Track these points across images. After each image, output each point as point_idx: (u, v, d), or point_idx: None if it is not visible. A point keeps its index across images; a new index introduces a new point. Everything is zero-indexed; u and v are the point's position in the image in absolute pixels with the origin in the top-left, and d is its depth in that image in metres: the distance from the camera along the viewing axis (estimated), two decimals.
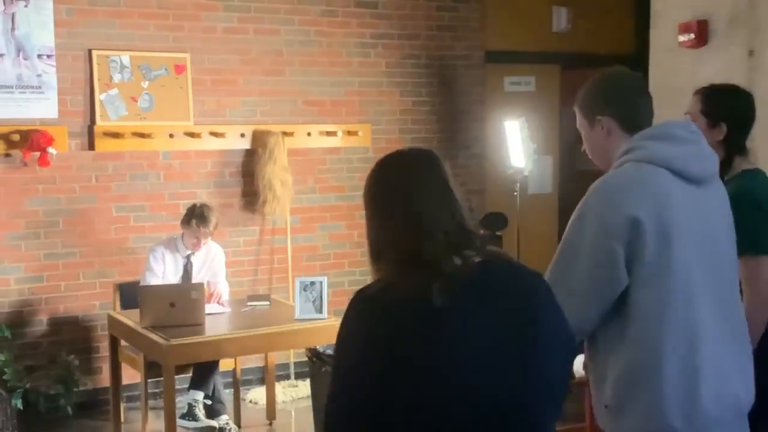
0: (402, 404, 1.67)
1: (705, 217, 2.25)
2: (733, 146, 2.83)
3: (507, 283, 1.78)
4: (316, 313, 4.55)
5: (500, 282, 1.77)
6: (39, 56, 5.34)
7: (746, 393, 2.26)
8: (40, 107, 5.36)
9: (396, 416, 1.68)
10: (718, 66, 4.74)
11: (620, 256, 2.14)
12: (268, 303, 4.93)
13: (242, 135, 5.81)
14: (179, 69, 5.71)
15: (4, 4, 5.23)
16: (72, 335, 5.50)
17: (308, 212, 6.09)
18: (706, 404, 2.14)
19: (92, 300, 5.54)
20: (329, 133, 6.11)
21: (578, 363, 2.79)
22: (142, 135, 5.56)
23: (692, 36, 4.81)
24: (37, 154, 5.26)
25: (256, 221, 5.94)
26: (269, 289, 5.84)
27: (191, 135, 5.70)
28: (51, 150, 5.27)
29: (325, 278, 4.72)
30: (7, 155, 5.28)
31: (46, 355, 5.37)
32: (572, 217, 2.23)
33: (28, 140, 5.25)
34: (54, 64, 5.37)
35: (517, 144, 5.88)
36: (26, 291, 5.39)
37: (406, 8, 6.32)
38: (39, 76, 5.35)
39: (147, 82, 5.63)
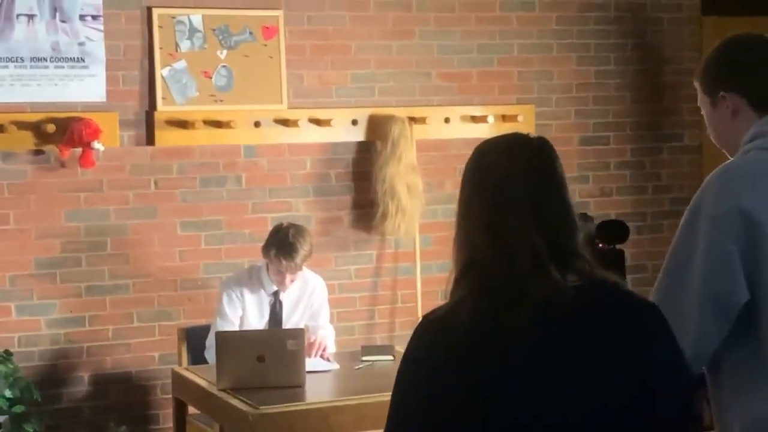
0: None
1: None
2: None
3: (608, 313, 2.02)
4: None
5: (598, 312, 2.02)
6: (82, 18, 5.46)
7: None
8: (83, 87, 5.48)
9: None
10: None
11: (735, 257, 2.37)
12: (391, 358, 4.91)
13: (354, 122, 5.85)
14: (269, 32, 5.76)
15: None
16: (123, 398, 5.57)
17: (445, 230, 5.98)
18: None
19: (150, 351, 5.61)
20: (476, 119, 6.10)
21: None
22: (218, 124, 5.63)
23: None
24: (79, 150, 5.37)
25: (373, 243, 5.96)
26: (391, 337, 5.83)
27: (284, 123, 5.75)
28: (97, 145, 5.35)
29: None
30: (39, 152, 5.41)
31: (88, 426, 5.44)
32: (683, 219, 2.48)
33: (66, 132, 5.35)
34: (101, 28, 5.47)
35: None
36: (62, 338, 5.48)
37: None
38: (81, 44, 5.46)
39: (225, 52, 5.71)
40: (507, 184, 2.05)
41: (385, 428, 2.06)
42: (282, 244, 4.86)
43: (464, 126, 6.09)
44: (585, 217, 3.68)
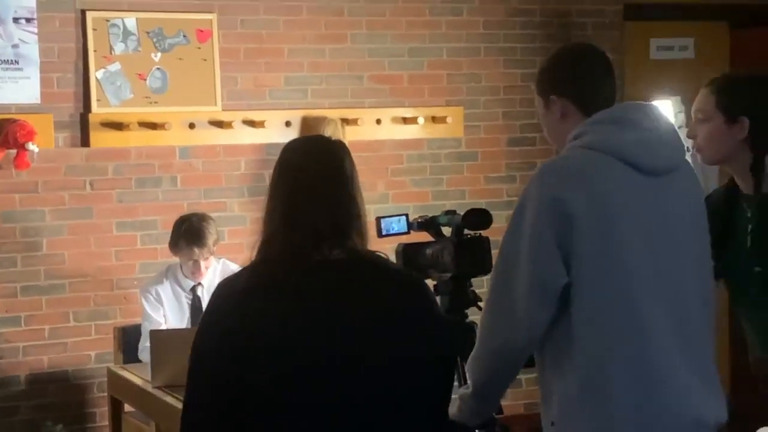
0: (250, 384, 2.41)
1: (661, 212, 2.68)
2: (760, 144, 3.12)
3: (361, 279, 2.47)
4: None
5: (351, 278, 2.46)
6: (15, 20, 5.42)
7: (708, 409, 2.69)
8: (17, 89, 5.44)
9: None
10: None
11: (553, 247, 2.58)
12: None
13: (287, 124, 5.83)
14: (203, 35, 5.75)
15: None
16: (60, 397, 5.55)
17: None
18: (659, 423, 2.60)
19: (86, 350, 5.59)
20: (406, 120, 6.13)
21: None
22: (152, 126, 5.62)
23: None
24: (14, 152, 5.35)
25: None
26: None
27: (218, 125, 5.75)
28: (31, 147, 5.32)
29: None
30: None
31: (25, 425, 5.44)
32: (515, 208, 2.69)
33: (1, 133, 5.32)
34: (35, 30, 5.44)
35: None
36: None
37: None
38: (15, 46, 5.42)
39: (159, 54, 5.69)
40: (301, 177, 2.49)
41: (189, 364, 2.52)
42: (189, 232, 4.89)
43: (395, 127, 6.13)
44: (452, 212, 3.70)
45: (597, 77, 2.82)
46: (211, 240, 4.91)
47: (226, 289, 2.50)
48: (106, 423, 5.24)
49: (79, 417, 5.57)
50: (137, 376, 4.65)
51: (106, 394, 5.17)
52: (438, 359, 2.56)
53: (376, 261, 2.52)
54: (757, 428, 4.68)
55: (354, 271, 2.45)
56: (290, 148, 2.60)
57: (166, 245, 5.53)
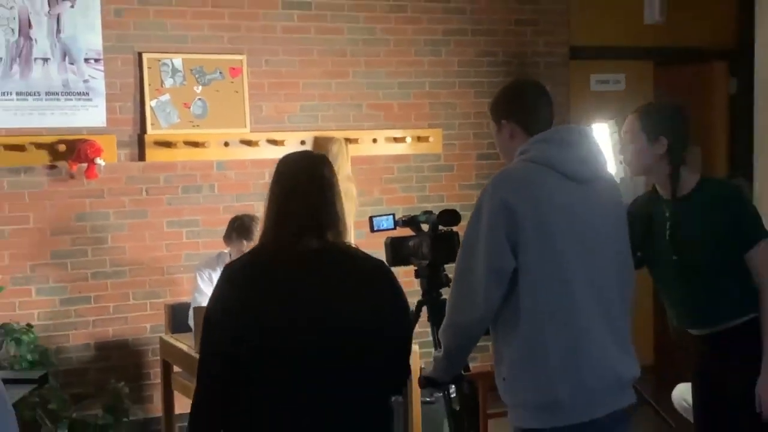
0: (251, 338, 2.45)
1: (586, 211, 2.73)
2: (676, 159, 3.19)
3: (336, 269, 2.52)
4: None
5: (328, 268, 2.51)
6: (86, 60, 5.42)
7: (625, 367, 2.77)
8: (88, 115, 5.43)
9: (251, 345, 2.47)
10: None
11: (504, 239, 2.64)
12: None
13: (302, 142, 5.80)
14: (235, 72, 5.75)
15: (49, 5, 5.32)
16: (121, 361, 5.56)
17: None
18: (586, 378, 2.66)
19: (143, 323, 5.61)
20: (397, 140, 6.13)
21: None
22: (195, 144, 5.62)
23: None
24: (85, 165, 5.33)
25: None
26: None
27: (247, 143, 5.74)
28: (99, 161, 5.32)
29: None
30: (53, 167, 5.36)
31: (93, 383, 5.45)
32: (473, 209, 2.75)
33: (74, 151, 5.31)
34: (102, 68, 5.44)
35: (606, 149, 5.74)
36: (72, 313, 5.45)
37: (481, 2, 6.33)
38: (86, 81, 5.42)
39: (200, 87, 5.69)
40: (292, 184, 2.54)
41: (203, 322, 2.56)
42: (241, 228, 4.86)
43: (388, 145, 6.12)
44: (429, 212, 3.81)
45: (538, 106, 2.87)
46: (257, 235, 4.83)
47: (231, 268, 2.57)
48: (159, 381, 5.28)
49: (137, 377, 5.58)
50: (183, 343, 4.68)
51: (158, 358, 5.20)
52: (394, 317, 2.59)
53: (345, 249, 2.56)
54: (675, 381, 4.64)
55: (327, 256, 2.51)
56: (283, 162, 2.64)
57: (207, 239, 5.67)
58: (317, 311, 2.46)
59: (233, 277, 2.53)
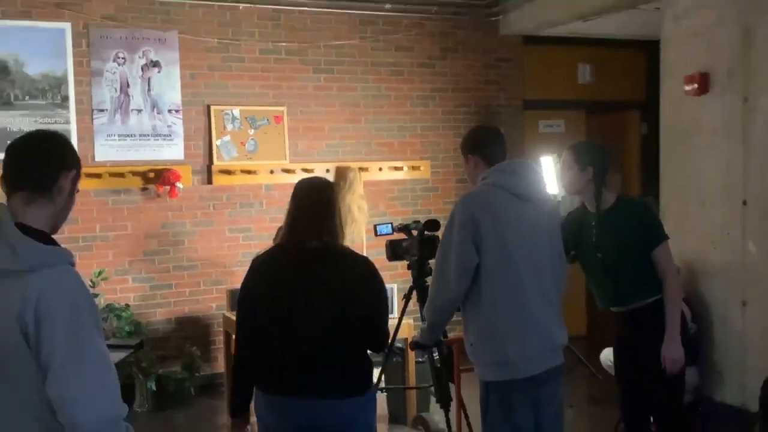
0: (264, 321, 2.49)
1: (530, 222, 2.70)
2: (599, 182, 3.12)
3: (327, 262, 2.50)
4: None
5: (321, 261, 2.49)
6: (169, 111, 5.47)
7: (558, 336, 2.75)
8: (170, 151, 5.46)
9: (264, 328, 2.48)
10: (718, 110, 4.66)
11: (470, 244, 2.61)
12: None
13: (327, 170, 5.78)
14: (278, 119, 5.74)
15: (142, 70, 5.38)
16: (194, 331, 5.56)
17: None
18: (529, 345, 2.65)
19: (210, 303, 5.60)
20: (396, 168, 6.09)
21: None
22: (248, 172, 5.60)
23: (696, 86, 4.72)
24: (168, 187, 5.38)
25: None
26: None
27: (287, 171, 5.71)
28: (178, 184, 5.38)
29: (395, 285, 4.73)
30: (145, 189, 5.41)
31: (174, 347, 5.45)
32: (447, 222, 2.71)
33: (160, 177, 5.36)
34: (180, 117, 5.48)
35: (551, 176, 5.85)
36: (158, 296, 5.48)
37: (458, 67, 6.30)
38: (169, 126, 5.46)
39: (252, 130, 5.67)
40: (303, 202, 2.55)
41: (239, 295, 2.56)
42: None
43: (390, 173, 6.09)
44: (418, 221, 3.86)
45: (495, 144, 2.84)
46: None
47: (258, 258, 2.60)
48: (221, 346, 5.27)
49: (205, 343, 5.58)
50: None
51: (221, 329, 5.19)
52: (370, 293, 2.55)
53: (337, 248, 2.54)
54: (602, 346, 4.67)
55: (322, 253, 2.50)
56: (298, 186, 2.63)
57: (257, 242, 5.58)
58: (312, 289, 2.47)
59: (254, 266, 2.57)
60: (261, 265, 2.55)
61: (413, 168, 6.17)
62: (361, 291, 2.52)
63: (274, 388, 2.48)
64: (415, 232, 3.75)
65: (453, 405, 3.72)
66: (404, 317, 4.21)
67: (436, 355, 3.68)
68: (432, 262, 3.05)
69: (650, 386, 3.16)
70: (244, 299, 2.54)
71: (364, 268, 2.56)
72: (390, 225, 3.94)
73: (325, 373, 2.46)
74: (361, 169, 5.88)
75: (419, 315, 3.52)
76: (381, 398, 4.26)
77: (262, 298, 2.48)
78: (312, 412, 2.45)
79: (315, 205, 2.53)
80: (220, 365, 5.44)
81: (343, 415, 2.47)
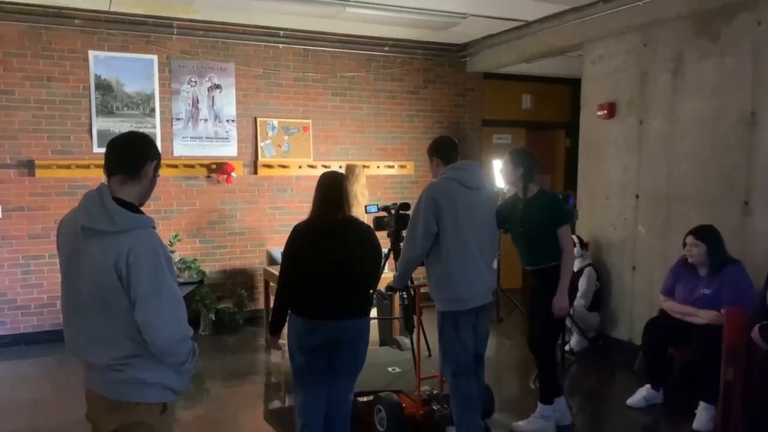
0: (304, 268, 2.48)
1: (474, 204, 2.73)
2: (527, 179, 3.13)
3: (348, 229, 2.51)
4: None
5: (344, 229, 2.50)
6: (227, 121, 5.44)
7: (490, 281, 2.80)
8: (227, 150, 5.43)
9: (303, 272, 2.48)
10: (621, 130, 4.68)
11: (432, 218, 2.66)
12: None
13: (340, 166, 5.65)
14: (305, 129, 5.71)
15: (208, 91, 5.35)
16: (243, 279, 5.54)
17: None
18: (473, 285, 2.70)
19: (255, 260, 5.58)
20: (389, 167, 6.05)
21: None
22: (284, 166, 5.59)
23: (605, 112, 4.78)
24: (225, 176, 5.36)
25: None
26: None
27: (311, 167, 5.68)
28: (233, 174, 5.37)
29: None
30: (209, 176, 5.38)
31: (228, 290, 5.46)
32: (416, 203, 2.74)
33: (220, 168, 5.34)
34: (235, 125, 5.45)
35: (499, 173, 5.85)
36: (217, 253, 5.46)
37: (436, 95, 6.26)
38: (227, 132, 5.44)
39: (287, 137, 5.64)
40: (329, 188, 2.53)
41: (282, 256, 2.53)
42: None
43: (385, 170, 6.05)
44: (396, 203, 3.75)
45: (452, 150, 2.85)
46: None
47: (297, 228, 2.57)
48: (262, 290, 5.26)
49: (251, 287, 5.55)
50: (275, 270, 4.51)
51: (262, 278, 5.10)
52: (373, 253, 2.58)
53: (353, 220, 2.57)
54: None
55: (344, 223, 2.51)
56: (322, 176, 2.61)
57: (289, 216, 5.57)
58: (337, 250, 2.50)
59: (298, 231, 2.57)
60: (303, 231, 2.54)
61: (402, 167, 6.13)
62: (369, 249, 2.57)
63: (313, 314, 2.52)
64: (393, 211, 3.73)
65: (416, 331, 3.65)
66: (385, 269, 4.26)
67: (405, 295, 3.67)
68: (404, 232, 3.07)
69: (539, 324, 3.20)
70: (290, 253, 2.52)
71: (371, 233, 2.61)
72: (376, 206, 3.90)
73: (347, 302, 2.52)
74: (364, 166, 5.76)
75: (394, 268, 3.55)
76: (373, 327, 4.28)
77: (306, 253, 2.49)
78: (337, 330, 2.52)
79: (334, 189, 2.55)
80: (260, 304, 5.43)
81: (356, 331, 2.56)
